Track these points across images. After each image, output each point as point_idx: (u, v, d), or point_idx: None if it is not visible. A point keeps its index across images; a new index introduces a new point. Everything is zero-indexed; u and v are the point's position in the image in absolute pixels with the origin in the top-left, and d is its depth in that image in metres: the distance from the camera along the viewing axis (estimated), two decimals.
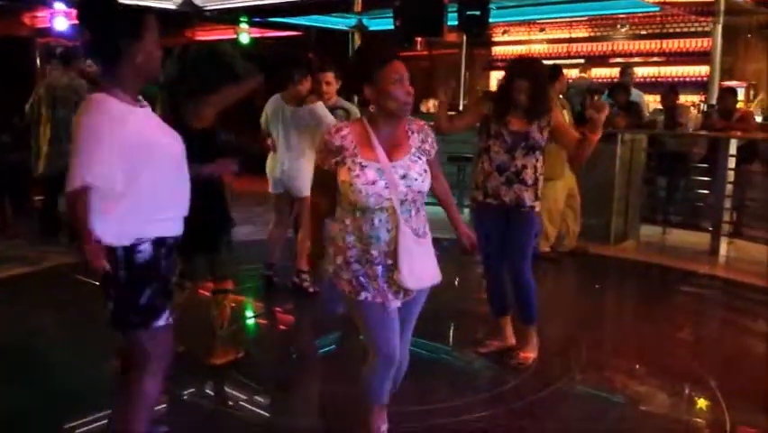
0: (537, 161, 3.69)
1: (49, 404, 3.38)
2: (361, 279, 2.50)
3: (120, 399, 2.57)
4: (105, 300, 2.39)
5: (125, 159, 2.23)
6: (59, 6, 8.93)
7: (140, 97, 2.42)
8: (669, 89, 7.85)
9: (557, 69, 5.95)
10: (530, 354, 3.89)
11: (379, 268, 2.49)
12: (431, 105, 11.64)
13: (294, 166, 4.91)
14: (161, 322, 2.41)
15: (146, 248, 2.32)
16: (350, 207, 2.48)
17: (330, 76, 4.95)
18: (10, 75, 6.36)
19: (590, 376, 3.90)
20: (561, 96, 6.07)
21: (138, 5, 2.70)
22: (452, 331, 4.79)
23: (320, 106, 4.80)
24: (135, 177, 2.26)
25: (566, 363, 3.97)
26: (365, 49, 2.47)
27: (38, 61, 10.21)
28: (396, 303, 2.54)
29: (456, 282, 6.00)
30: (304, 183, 4.77)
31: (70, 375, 3.78)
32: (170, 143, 2.43)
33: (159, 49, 2.40)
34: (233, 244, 3.82)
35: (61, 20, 9.11)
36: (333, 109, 4.94)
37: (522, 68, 3.71)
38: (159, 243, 2.36)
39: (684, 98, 9.09)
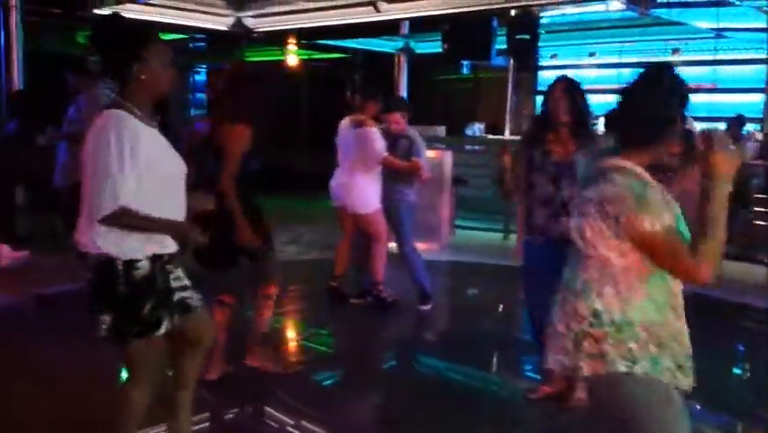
0: None
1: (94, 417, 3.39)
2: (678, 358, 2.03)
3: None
4: (95, 314, 2.39)
5: (136, 175, 2.33)
6: None
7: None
8: (736, 119, 7.61)
9: None
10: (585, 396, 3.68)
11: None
12: (475, 128, 11.62)
13: (347, 182, 5.11)
14: (161, 331, 2.45)
15: (144, 264, 2.38)
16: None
17: (398, 116, 5.14)
18: (64, 91, 6.62)
19: None
20: None
21: (145, 21, 2.85)
22: (497, 360, 4.69)
23: (370, 131, 5.00)
24: (140, 193, 2.34)
25: None
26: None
27: None
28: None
29: (500, 309, 5.90)
30: (357, 200, 5.06)
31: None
32: (173, 165, 2.52)
33: (167, 69, 2.47)
34: (274, 253, 3.83)
35: None
36: (397, 137, 5.12)
37: (564, 82, 3.53)
38: (155, 258, 2.42)
39: None
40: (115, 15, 2.52)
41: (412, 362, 4.66)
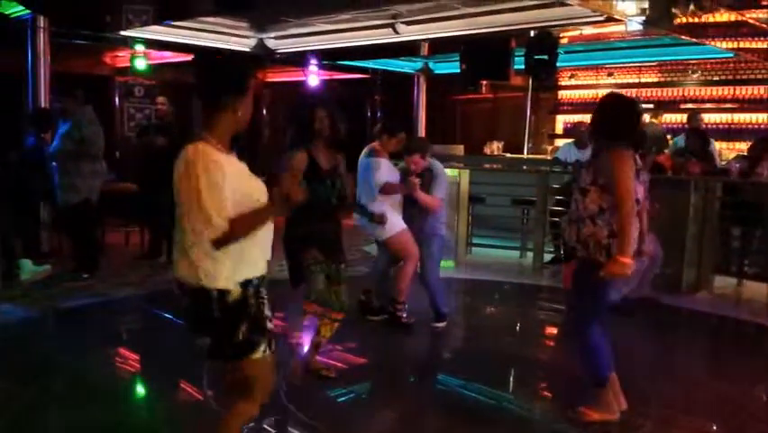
0: (584, 204, 3.39)
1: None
2: None
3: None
4: (194, 336, 2.51)
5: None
6: (140, 47, 9.35)
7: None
8: (761, 139, 7.53)
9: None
10: (591, 413, 3.61)
11: None
12: (494, 147, 11.64)
13: None
14: (258, 355, 2.51)
15: (235, 290, 2.44)
16: None
17: (417, 157, 5.15)
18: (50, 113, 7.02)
19: None
20: None
21: (234, 53, 2.84)
22: (512, 378, 4.69)
23: (376, 161, 5.14)
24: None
25: (635, 420, 3.78)
26: None
27: (116, 99, 10.70)
28: None
29: (517, 327, 5.88)
30: (377, 229, 5.09)
31: (135, 405, 3.83)
32: (258, 191, 2.53)
33: (251, 102, 2.52)
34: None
35: (141, 60, 9.53)
36: (420, 174, 5.16)
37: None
38: (245, 284, 2.46)
39: None
40: (224, 51, 2.55)
41: (425, 379, 4.66)
